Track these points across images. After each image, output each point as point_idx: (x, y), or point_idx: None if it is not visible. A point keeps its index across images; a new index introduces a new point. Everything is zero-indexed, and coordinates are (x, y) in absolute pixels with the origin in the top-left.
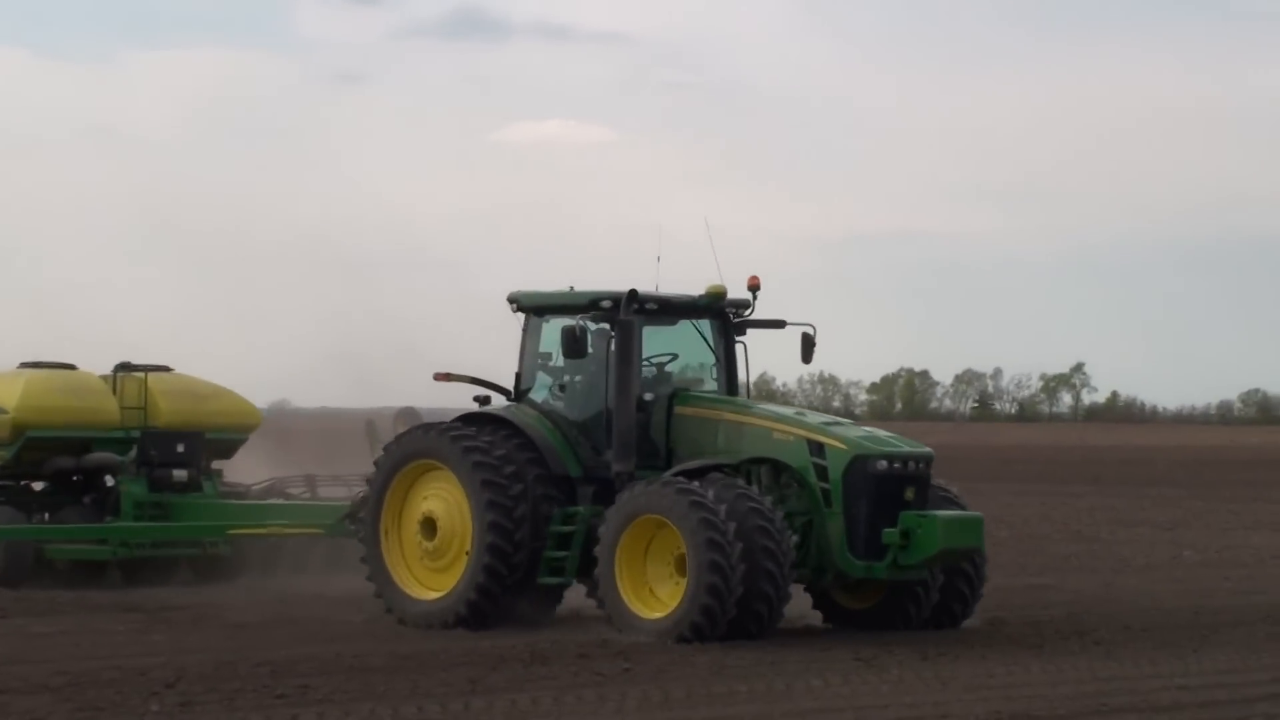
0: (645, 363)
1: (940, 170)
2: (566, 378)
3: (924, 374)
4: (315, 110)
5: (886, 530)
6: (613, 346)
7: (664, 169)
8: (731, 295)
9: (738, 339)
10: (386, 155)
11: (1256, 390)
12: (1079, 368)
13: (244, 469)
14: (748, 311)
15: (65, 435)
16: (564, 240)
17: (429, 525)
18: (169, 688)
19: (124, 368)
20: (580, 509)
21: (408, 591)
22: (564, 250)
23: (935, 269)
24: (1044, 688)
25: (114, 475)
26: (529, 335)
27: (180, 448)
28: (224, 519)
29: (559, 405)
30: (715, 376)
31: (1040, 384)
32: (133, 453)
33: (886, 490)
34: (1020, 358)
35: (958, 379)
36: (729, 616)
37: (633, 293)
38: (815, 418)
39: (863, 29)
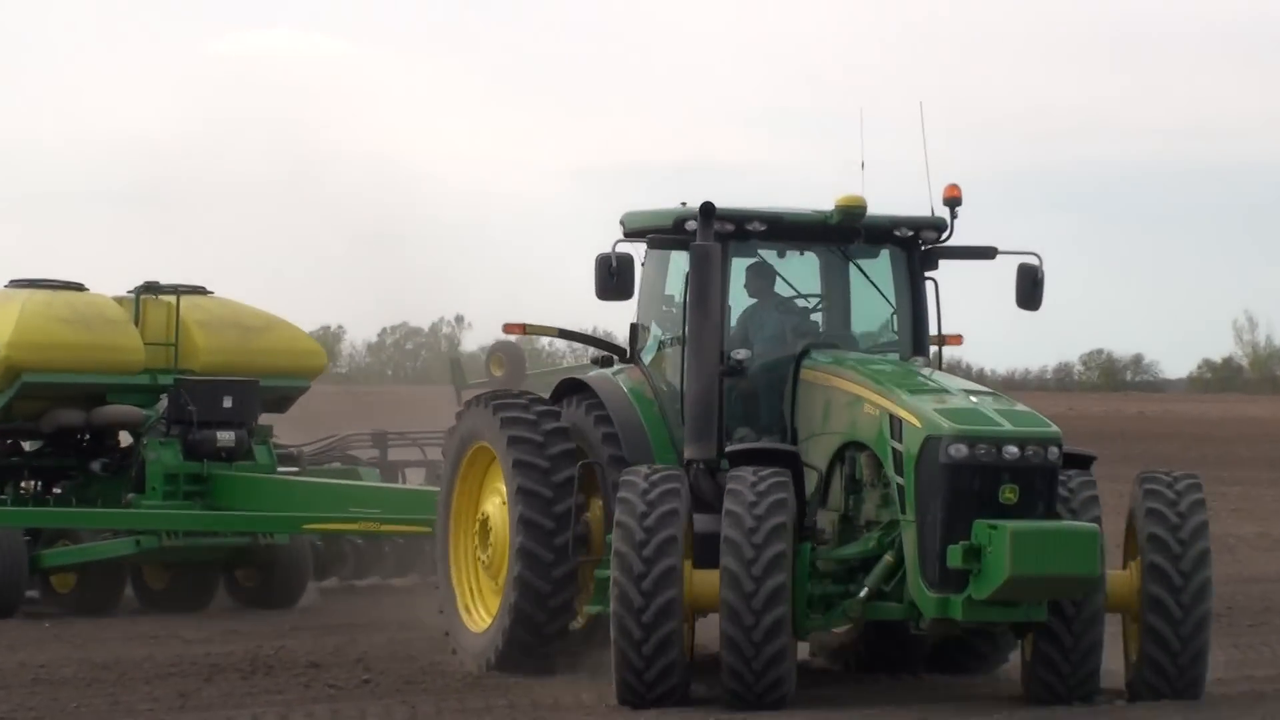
0: (777, 307)
1: (732, 96)
2: (680, 330)
3: None
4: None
5: (951, 547)
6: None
7: (416, 88)
8: (891, 211)
9: (926, 275)
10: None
11: (1100, 351)
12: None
13: (292, 420)
14: (944, 236)
15: (73, 381)
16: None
17: (485, 530)
18: None
19: (149, 289)
20: None
21: (461, 616)
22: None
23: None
24: None
25: (135, 435)
26: (649, 271)
27: (227, 401)
28: (294, 503)
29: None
30: (896, 328)
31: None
32: (161, 405)
33: (968, 487)
34: None
35: None
36: (656, 668)
37: (707, 208)
38: (929, 383)
39: None
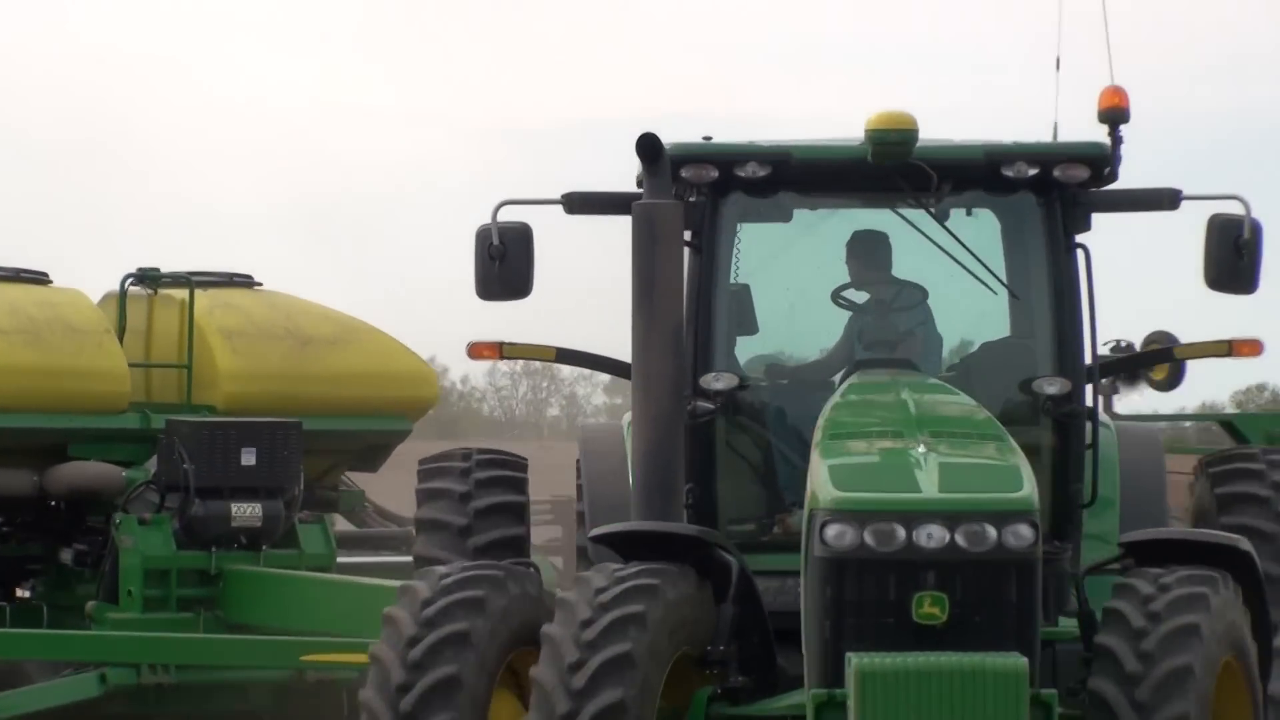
0: (845, 301)
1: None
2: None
3: None
4: None
5: (808, 696)
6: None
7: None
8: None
9: (1076, 240)
10: None
11: (1262, 388)
12: None
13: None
14: (1105, 174)
15: (15, 425)
16: None
17: None
18: None
19: (144, 280)
20: None
21: None
22: None
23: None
24: None
25: (115, 508)
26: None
27: (248, 454)
28: (331, 616)
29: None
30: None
31: None
32: (151, 464)
33: (858, 596)
34: None
35: None
36: None
37: (647, 143)
38: (894, 420)
39: None
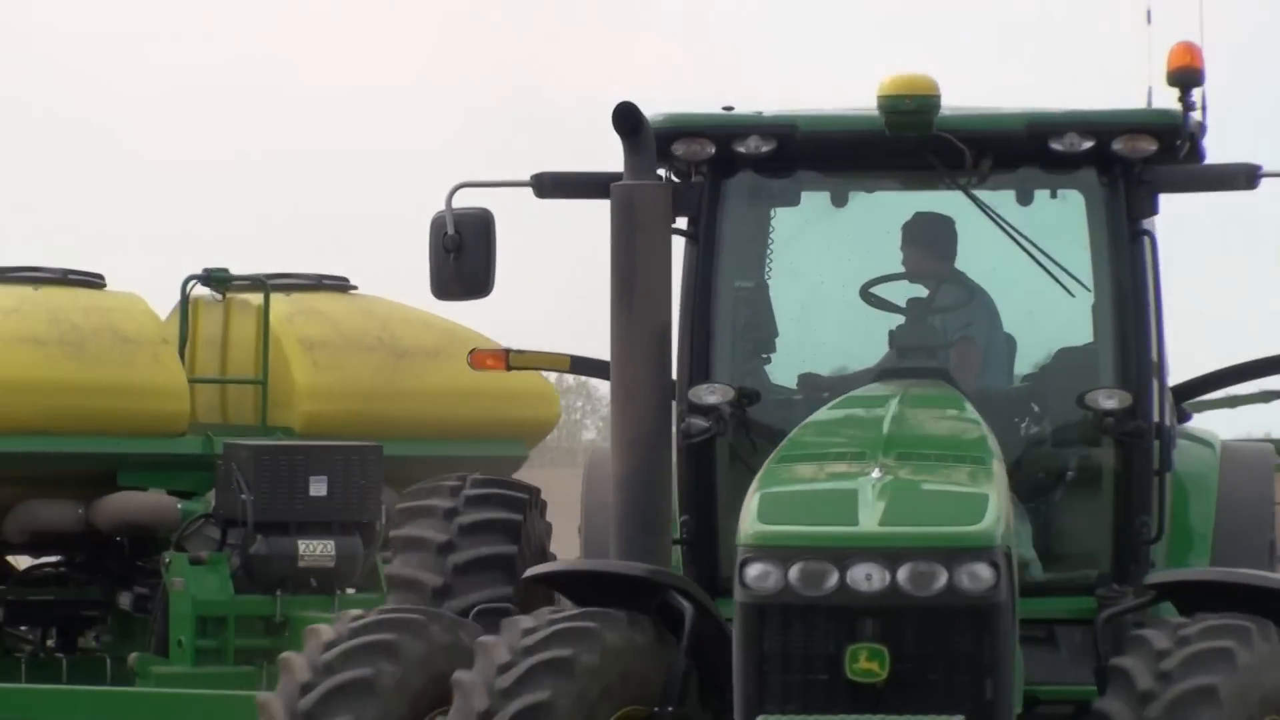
0: (876, 299)
1: None
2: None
3: None
4: None
5: None
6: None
7: None
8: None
9: (1141, 226)
10: None
11: None
12: None
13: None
14: (1178, 146)
15: (55, 451)
16: None
17: None
18: None
19: (210, 281)
20: None
21: None
22: None
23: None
24: None
25: (169, 545)
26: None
27: (318, 484)
28: None
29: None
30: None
31: None
32: (209, 497)
33: (782, 648)
34: None
35: None
36: None
37: (625, 114)
38: (863, 440)
39: None
